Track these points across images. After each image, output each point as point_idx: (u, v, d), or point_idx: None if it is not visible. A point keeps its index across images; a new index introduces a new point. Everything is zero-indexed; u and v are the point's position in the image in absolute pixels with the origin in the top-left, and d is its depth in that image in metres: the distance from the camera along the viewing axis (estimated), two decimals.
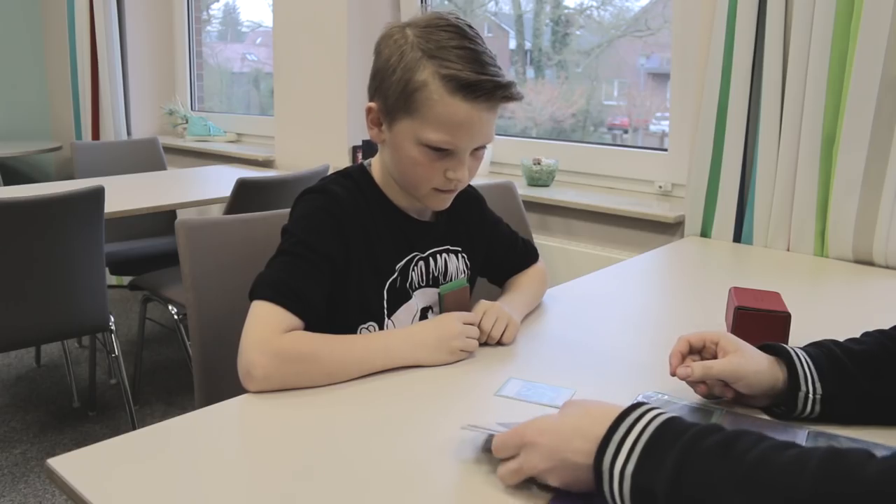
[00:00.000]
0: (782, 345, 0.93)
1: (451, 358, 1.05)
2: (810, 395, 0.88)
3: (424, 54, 1.02)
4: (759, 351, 0.93)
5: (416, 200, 1.15)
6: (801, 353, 0.91)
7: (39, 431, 2.46)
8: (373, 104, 1.09)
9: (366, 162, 1.20)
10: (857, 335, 0.96)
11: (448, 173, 1.07)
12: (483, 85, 1.01)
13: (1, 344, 2.07)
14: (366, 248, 1.11)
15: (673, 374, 0.93)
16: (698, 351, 0.95)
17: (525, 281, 1.32)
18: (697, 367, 0.90)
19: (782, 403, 0.90)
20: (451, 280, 1.22)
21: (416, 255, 1.17)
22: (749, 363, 0.90)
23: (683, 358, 0.94)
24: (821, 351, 0.91)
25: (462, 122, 1.03)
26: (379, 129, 1.10)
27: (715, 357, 0.92)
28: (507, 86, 1.03)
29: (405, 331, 1.08)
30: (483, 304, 1.15)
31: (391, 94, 1.04)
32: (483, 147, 1.09)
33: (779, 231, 1.83)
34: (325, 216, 1.08)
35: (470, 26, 1.07)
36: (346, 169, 1.19)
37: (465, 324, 1.08)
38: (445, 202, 1.14)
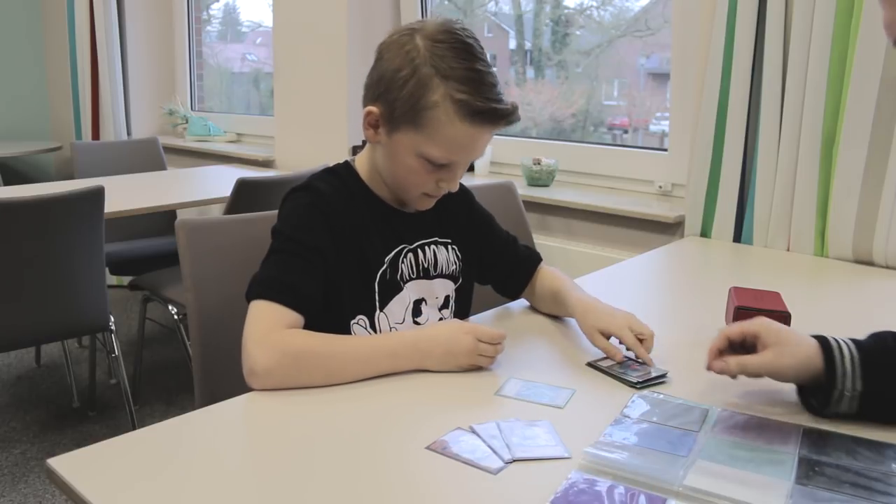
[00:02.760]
0: (828, 338, 0.90)
1: (458, 370, 1.03)
2: (846, 393, 0.87)
3: (437, 73, 1.03)
4: (801, 340, 0.91)
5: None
6: (848, 348, 0.89)
7: (39, 431, 2.46)
8: (374, 108, 1.09)
9: (350, 158, 1.21)
10: (857, 335, 0.95)
11: (441, 183, 1.12)
12: (493, 113, 1.05)
13: (1, 344, 2.07)
14: (354, 242, 1.13)
15: (709, 369, 0.93)
16: (740, 344, 0.94)
17: (567, 280, 1.28)
18: (733, 363, 0.91)
19: (818, 395, 0.89)
20: (441, 272, 1.22)
21: (405, 247, 1.18)
22: (784, 360, 0.90)
23: (721, 353, 0.94)
24: (876, 344, 0.90)
25: (465, 144, 1.07)
26: (375, 132, 1.11)
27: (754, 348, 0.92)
28: (512, 113, 1.07)
29: (414, 336, 1.05)
30: (626, 323, 1.11)
31: (399, 106, 1.06)
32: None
33: (779, 231, 1.83)
34: (312, 212, 1.10)
35: (476, 40, 1.08)
36: (331, 166, 1.21)
37: (481, 340, 1.03)
38: (431, 204, 1.18)
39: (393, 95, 1.06)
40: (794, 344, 0.91)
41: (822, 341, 0.90)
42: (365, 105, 1.11)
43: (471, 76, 1.04)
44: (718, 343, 0.95)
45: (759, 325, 0.93)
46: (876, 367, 0.87)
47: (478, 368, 1.04)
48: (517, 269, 1.32)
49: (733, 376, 0.93)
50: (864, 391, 0.86)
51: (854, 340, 0.91)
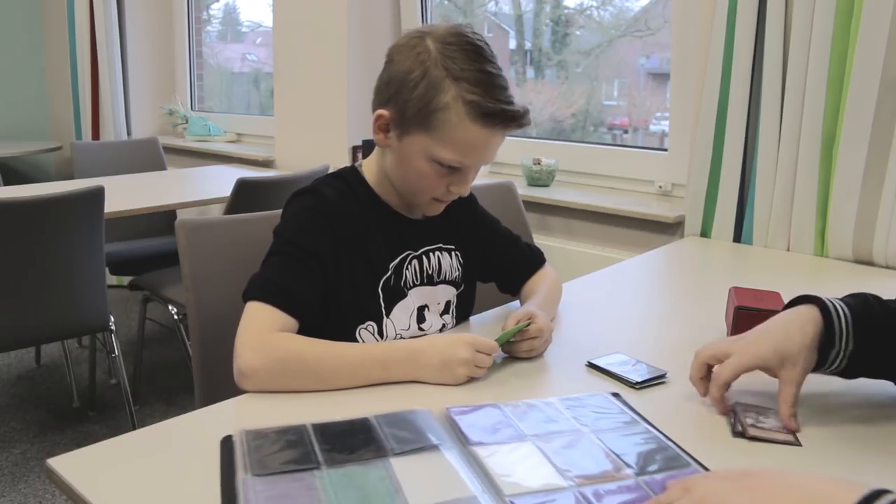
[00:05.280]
0: (823, 300, 0.91)
1: (454, 382, 1.00)
2: (841, 352, 0.89)
3: (448, 74, 1.03)
4: (773, 321, 0.92)
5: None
6: (840, 308, 0.90)
7: (39, 431, 2.46)
8: (384, 112, 1.08)
9: (357, 163, 1.21)
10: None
11: (452, 188, 1.11)
12: (503, 115, 1.04)
13: (1, 344, 2.07)
14: (358, 248, 1.12)
15: (705, 396, 0.94)
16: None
17: (545, 290, 1.28)
18: (715, 390, 0.91)
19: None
20: (444, 278, 1.21)
21: (410, 254, 1.17)
22: (753, 348, 0.90)
23: (704, 381, 0.95)
24: (858, 303, 0.92)
25: (477, 146, 1.06)
26: (385, 136, 1.10)
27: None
28: (523, 115, 1.06)
29: (408, 346, 1.02)
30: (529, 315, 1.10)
31: (410, 108, 1.05)
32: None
33: (779, 231, 1.83)
34: (314, 216, 1.09)
35: (486, 43, 1.07)
36: (338, 170, 1.20)
37: (478, 350, 1.00)
38: (440, 210, 1.17)
39: (404, 98, 1.05)
40: (760, 331, 0.91)
41: (820, 304, 0.91)
42: (375, 109, 1.10)
43: (482, 78, 1.03)
44: (698, 372, 0.95)
45: (728, 344, 0.93)
46: (865, 327, 0.89)
47: (471, 380, 1.01)
48: (518, 269, 1.33)
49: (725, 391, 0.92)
50: (854, 350, 0.89)
51: (842, 300, 0.92)
